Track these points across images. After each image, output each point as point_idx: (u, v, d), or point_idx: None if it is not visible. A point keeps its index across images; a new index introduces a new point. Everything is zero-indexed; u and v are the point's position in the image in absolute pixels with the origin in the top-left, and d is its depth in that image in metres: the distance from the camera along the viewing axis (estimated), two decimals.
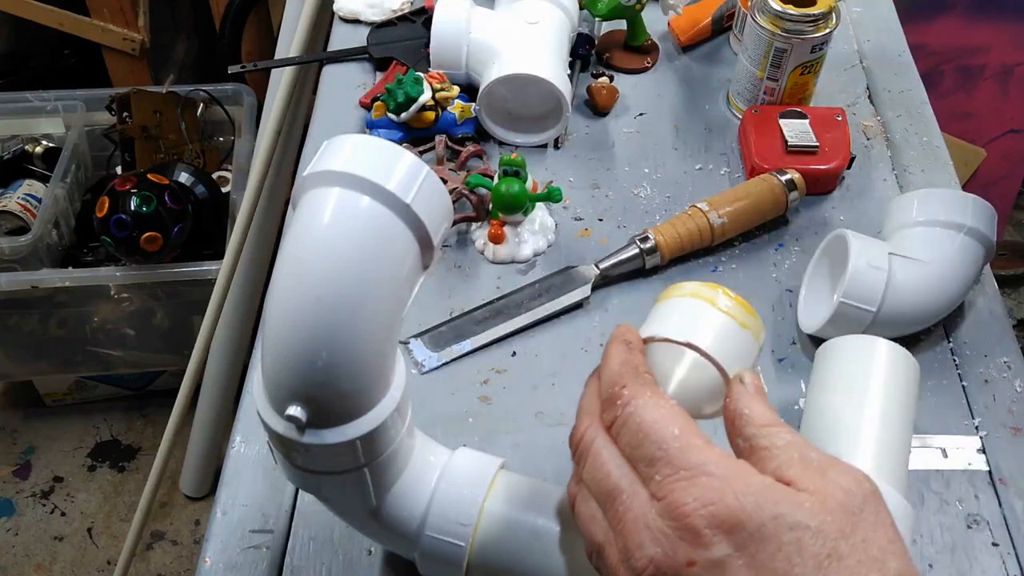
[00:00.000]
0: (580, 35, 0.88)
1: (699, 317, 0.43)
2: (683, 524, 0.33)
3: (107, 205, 1.20)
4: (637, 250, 0.72)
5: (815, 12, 0.78)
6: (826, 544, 0.32)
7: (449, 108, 0.82)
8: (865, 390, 0.54)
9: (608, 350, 0.41)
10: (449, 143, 0.82)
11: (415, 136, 0.82)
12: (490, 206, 0.75)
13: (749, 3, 0.83)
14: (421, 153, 0.81)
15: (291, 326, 0.37)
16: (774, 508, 0.33)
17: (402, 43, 0.93)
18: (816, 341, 0.67)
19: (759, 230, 0.77)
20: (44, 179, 1.44)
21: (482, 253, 0.75)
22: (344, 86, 0.91)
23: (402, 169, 0.36)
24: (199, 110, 1.51)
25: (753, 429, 0.37)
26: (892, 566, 0.33)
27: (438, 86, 0.81)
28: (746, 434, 0.37)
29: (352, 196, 0.36)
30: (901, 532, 0.48)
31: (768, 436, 0.36)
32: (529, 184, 0.75)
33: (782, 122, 0.81)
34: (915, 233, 0.66)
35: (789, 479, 0.35)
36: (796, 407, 0.64)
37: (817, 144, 0.79)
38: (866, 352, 0.56)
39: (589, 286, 0.71)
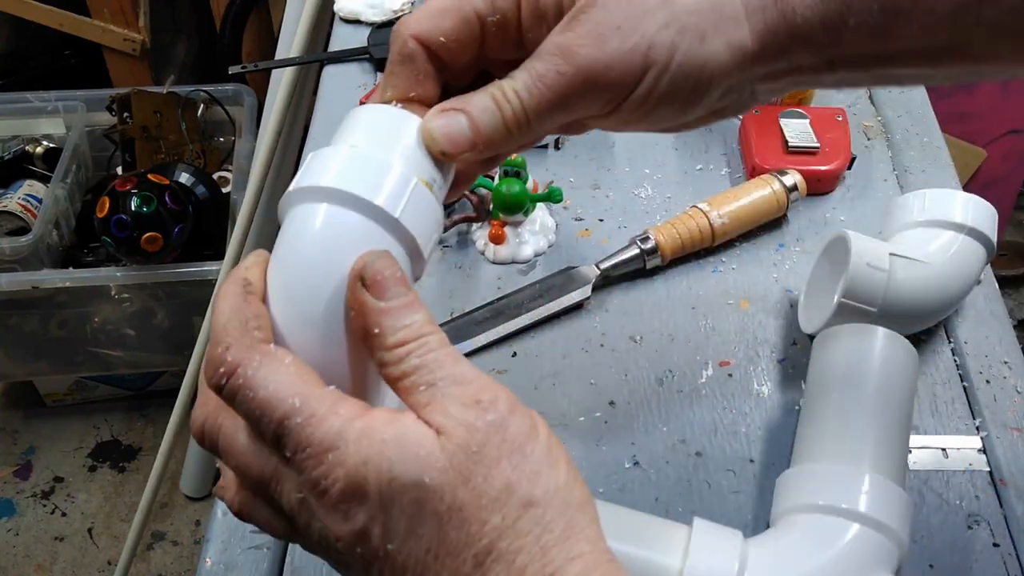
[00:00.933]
0: None
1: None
2: (324, 502, 0.32)
3: (108, 205, 1.20)
4: (638, 250, 0.72)
5: None
6: (445, 497, 0.31)
7: None
8: (863, 378, 0.55)
9: (221, 291, 0.36)
10: None
11: None
12: (491, 206, 0.75)
13: None
14: None
15: (283, 343, 0.36)
16: (390, 471, 0.31)
17: None
18: None
19: (759, 230, 0.77)
20: (45, 179, 1.44)
21: (483, 254, 0.75)
22: (345, 86, 0.91)
23: (390, 183, 0.35)
24: (199, 110, 1.51)
25: (383, 354, 0.33)
26: (516, 498, 0.32)
27: None
28: (379, 359, 0.33)
29: (340, 212, 0.35)
30: (900, 522, 0.49)
31: (400, 363, 0.33)
32: (530, 184, 0.75)
33: (783, 122, 0.81)
34: (915, 233, 0.66)
35: (426, 418, 0.32)
36: (797, 407, 0.64)
37: (818, 144, 0.79)
38: (864, 340, 0.57)
39: (590, 287, 0.71)
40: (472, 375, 0.33)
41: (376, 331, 0.33)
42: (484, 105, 0.37)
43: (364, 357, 0.36)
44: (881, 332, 0.56)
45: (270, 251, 0.37)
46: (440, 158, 0.37)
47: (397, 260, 0.35)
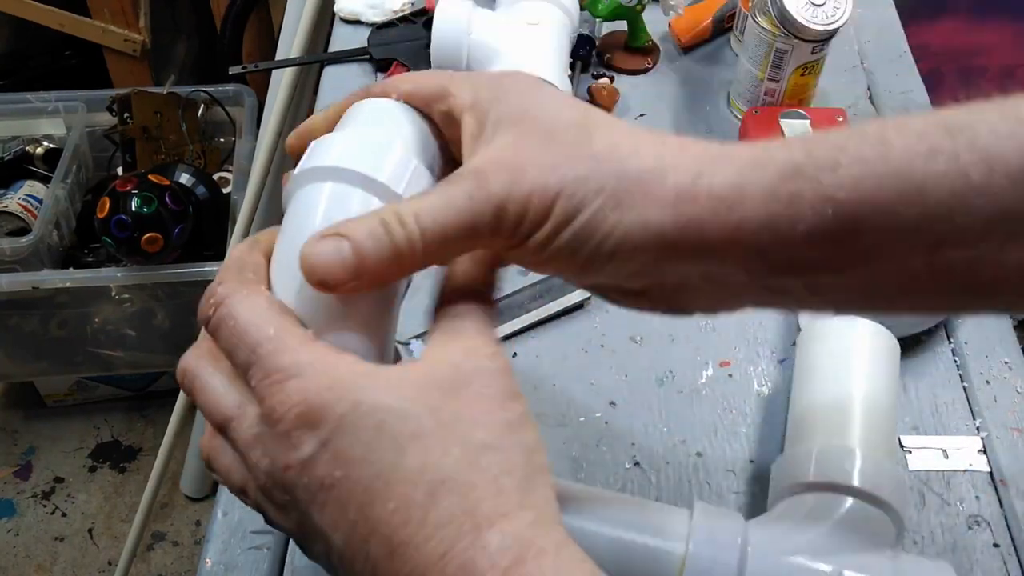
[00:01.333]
0: (581, 36, 0.88)
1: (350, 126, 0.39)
2: (277, 430, 0.31)
3: (108, 206, 1.19)
4: None
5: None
6: (408, 422, 0.31)
7: None
8: (850, 368, 0.56)
9: (231, 250, 0.38)
10: None
11: None
12: None
13: (750, 4, 0.83)
14: None
15: None
16: (354, 395, 0.31)
17: (403, 44, 0.93)
18: None
19: None
20: (45, 180, 1.44)
21: None
22: (345, 87, 0.91)
23: (392, 162, 0.36)
24: (200, 111, 1.51)
25: (461, 276, 0.36)
26: (478, 437, 0.31)
27: None
28: (453, 280, 0.36)
29: (344, 189, 0.36)
30: (894, 496, 0.49)
31: (459, 291, 0.35)
32: None
33: (783, 123, 0.80)
34: None
35: (428, 337, 0.34)
36: None
37: None
38: (847, 332, 0.58)
39: None
40: (486, 333, 0.35)
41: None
42: (370, 231, 0.33)
43: (369, 330, 0.36)
44: (863, 323, 0.58)
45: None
46: (321, 290, 0.33)
47: None
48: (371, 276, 0.33)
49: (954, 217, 0.32)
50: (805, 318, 0.68)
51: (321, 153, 0.37)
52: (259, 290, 0.35)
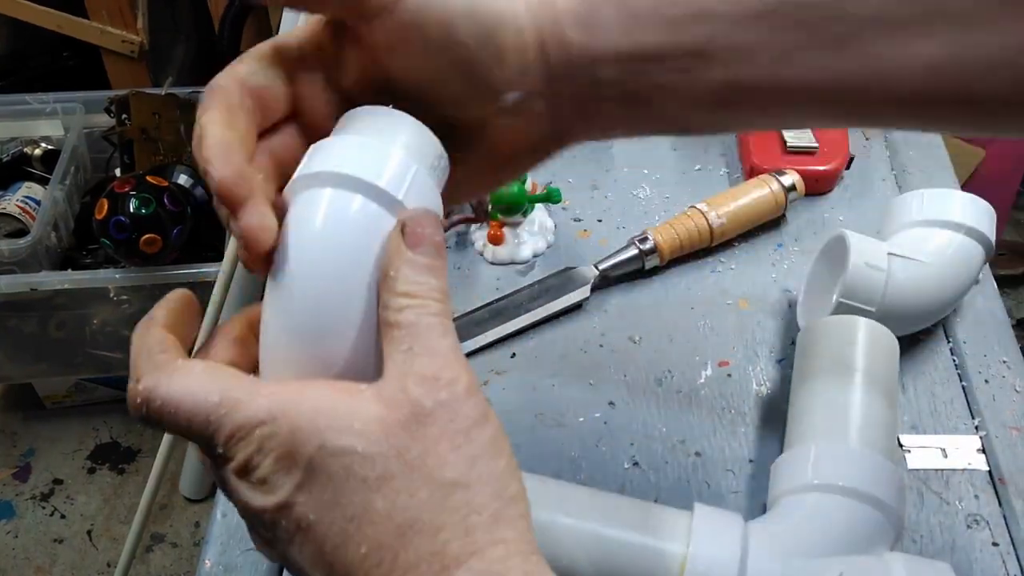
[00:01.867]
0: None
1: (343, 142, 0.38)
2: (251, 479, 0.32)
3: (106, 207, 1.19)
4: (636, 251, 0.72)
5: None
6: (376, 466, 0.31)
7: None
8: (849, 368, 0.56)
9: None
10: None
11: None
12: (489, 207, 0.75)
13: None
14: None
15: (286, 326, 0.37)
16: (319, 438, 0.31)
17: None
18: None
19: (758, 230, 0.77)
20: (43, 181, 1.44)
21: (481, 254, 0.75)
22: None
23: (392, 166, 0.36)
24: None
25: (390, 297, 0.33)
26: (446, 476, 0.31)
27: None
28: (383, 302, 0.34)
29: (344, 195, 0.36)
30: (892, 497, 0.49)
31: (399, 311, 0.33)
32: (528, 185, 0.75)
33: None
34: (914, 233, 0.66)
35: (380, 387, 0.32)
36: None
37: (816, 144, 0.79)
38: (846, 331, 0.58)
39: (588, 287, 0.71)
40: (446, 349, 0.33)
41: (391, 273, 0.33)
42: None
43: (366, 335, 0.36)
44: (863, 321, 0.58)
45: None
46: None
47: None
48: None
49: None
50: (804, 318, 0.68)
51: (320, 158, 0.37)
52: (179, 367, 0.34)
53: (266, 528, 0.32)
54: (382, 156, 0.36)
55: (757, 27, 0.34)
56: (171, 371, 0.34)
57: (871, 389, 0.55)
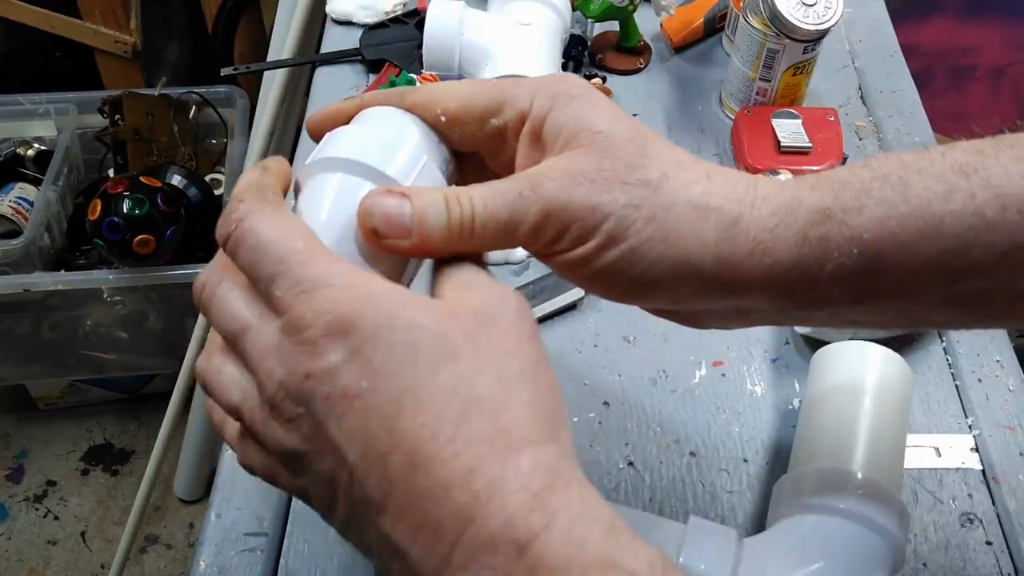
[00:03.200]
0: (573, 36, 0.88)
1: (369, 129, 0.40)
2: (302, 338, 0.31)
3: (99, 208, 1.19)
4: None
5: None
6: (443, 344, 0.31)
7: None
8: (859, 396, 0.55)
9: (240, 178, 0.37)
10: None
11: None
12: None
13: (741, 4, 0.83)
14: None
15: None
16: (390, 309, 0.31)
17: (395, 45, 0.93)
18: (809, 341, 0.67)
19: None
20: (36, 182, 1.43)
21: None
22: (337, 88, 0.91)
23: (402, 156, 0.37)
24: (191, 112, 1.51)
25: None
26: (512, 366, 0.32)
27: None
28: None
29: (353, 181, 0.37)
30: (894, 523, 0.49)
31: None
32: None
33: (775, 122, 0.81)
34: None
35: (435, 294, 0.34)
36: (790, 407, 0.64)
37: (810, 144, 0.79)
38: (860, 358, 0.57)
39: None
40: (506, 286, 0.35)
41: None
42: (433, 200, 0.35)
43: None
44: (876, 348, 0.57)
45: None
46: (370, 239, 0.35)
47: None
48: (419, 241, 0.35)
49: (970, 251, 0.34)
50: None
51: (333, 144, 0.38)
52: (283, 209, 0.34)
53: (298, 401, 0.31)
54: (393, 146, 0.37)
55: None
56: (274, 207, 0.34)
57: (880, 416, 0.54)
